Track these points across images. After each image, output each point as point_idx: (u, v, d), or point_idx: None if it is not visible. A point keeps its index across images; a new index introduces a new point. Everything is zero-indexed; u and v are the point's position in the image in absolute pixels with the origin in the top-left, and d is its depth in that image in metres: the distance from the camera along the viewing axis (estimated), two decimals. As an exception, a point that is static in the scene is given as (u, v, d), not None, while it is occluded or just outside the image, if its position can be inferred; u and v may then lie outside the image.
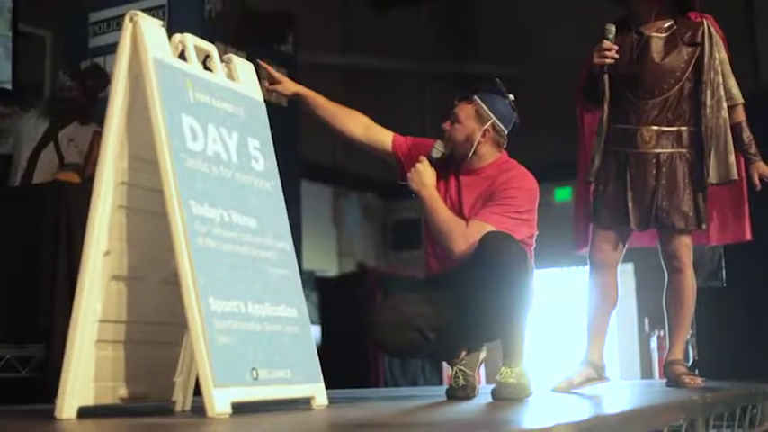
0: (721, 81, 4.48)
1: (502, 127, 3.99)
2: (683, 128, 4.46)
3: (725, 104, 4.47)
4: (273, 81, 4.14)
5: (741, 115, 4.54)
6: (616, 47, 4.42)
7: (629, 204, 4.46)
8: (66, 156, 5.89)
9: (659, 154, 4.45)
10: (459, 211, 3.94)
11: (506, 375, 3.72)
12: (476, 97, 3.99)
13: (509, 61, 12.85)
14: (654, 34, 4.50)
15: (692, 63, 4.47)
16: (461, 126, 3.97)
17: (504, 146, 4.05)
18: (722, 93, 4.47)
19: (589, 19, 4.81)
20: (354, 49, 13.73)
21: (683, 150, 4.45)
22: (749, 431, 3.75)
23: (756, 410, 3.85)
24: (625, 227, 4.51)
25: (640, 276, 11.06)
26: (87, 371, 2.87)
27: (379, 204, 13.83)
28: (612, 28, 4.42)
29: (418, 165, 3.94)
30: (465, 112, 4.00)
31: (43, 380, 4.93)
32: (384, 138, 4.23)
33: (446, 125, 4.01)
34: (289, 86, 4.18)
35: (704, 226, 4.48)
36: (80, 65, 6.61)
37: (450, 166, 4.03)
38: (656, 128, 4.46)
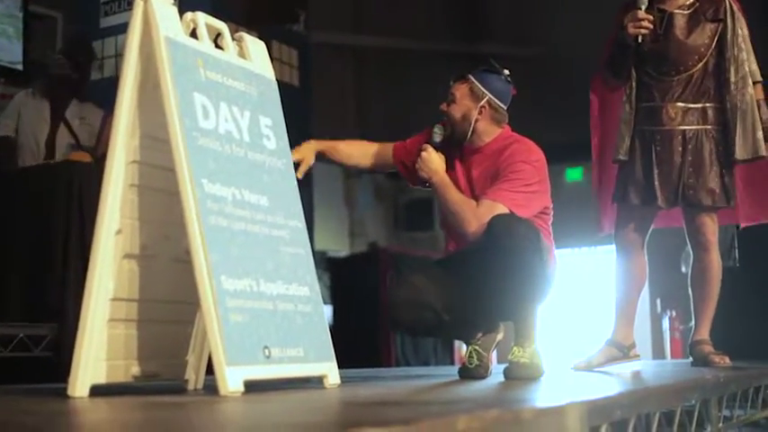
0: (745, 58, 4.44)
1: (499, 103, 3.99)
2: (708, 104, 4.44)
3: (750, 80, 4.44)
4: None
5: (759, 93, 4.49)
6: (650, 17, 4.40)
7: (656, 182, 4.43)
8: (80, 134, 5.91)
9: (685, 131, 4.43)
10: (470, 192, 3.93)
11: (518, 355, 3.71)
12: (470, 76, 3.99)
13: (522, 42, 12.82)
14: (677, 11, 4.48)
15: (716, 40, 4.45)
16: (457, 105, 4.00)
17: (505, 121, 4.05)
18: (747, 69, 4.43)
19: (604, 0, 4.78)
20: (366, 28, 13.69)
21: (709, 127, 4.42)
22: (762, 411, 3.74)
23: (769, 390, 3.84)
24: (652, 206, 4.49)
25: (652, 257, 11.03)
26: (100, 349, 2.87)
27: (390, 185, 13.80)
28: None
29: (423, 153, 3.95)
30: (460, 91, 4.02)
31: (56, 359, 4.95)
32: (386, 153, 4.33)
33: (443, 106, 4.03)
34: (308, 157, 4.23)
35: (732, 203, 4.45)
36: (91, 45, 6.61)
37: (454, 149, 4.03)
38: (681, 104, 4.44)
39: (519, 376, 3.65)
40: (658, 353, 11.65)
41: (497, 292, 3.71)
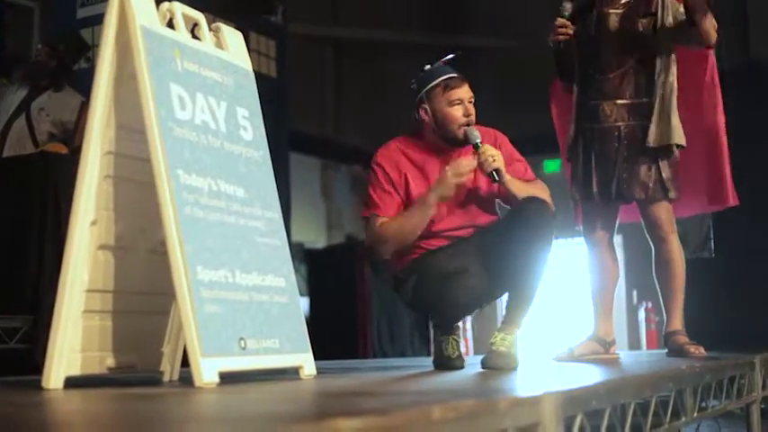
0: (672, 48, 4.46)
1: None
2: (643, 100, 4.47)
3: (673, 69, 4.46)
4: None
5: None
6: (569, 23, 4.48)
7: (594, 178, 4.50)
8: (38, 125, 5.86)
9: (619, 126, 4.49)
10: (475, 187, 3.97)
11: (499, 343, 3.72)
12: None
13: (500, 33, 12.83)
14: (611, 11, 4.54)
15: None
16: (472, 107, 3.99)
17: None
18: (672, 57, 4.45)
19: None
20: (344, 20, 13.68)
21: (643, 122, 4.45)
22: (737, 401, 3.76)
23: (744, 381, 3.85)
24: (600, 201, 4.53)
25: (629, 249, 11.06)
26: (74, 341, 2.86)
27: (367, 176, 13.81)
28: (568, 5, 4.51)
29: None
30: (470, 92, 4.01)
31: (31, 351, 4.93)
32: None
33: (470, 110, 3.96)
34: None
35: (671, 195, 4.46)
36: (80, 35, 6.59)
37: (442, 153, 4.00)
38: (616, 101, 4.49)
39: (496, 366, 3.65)
40: (634, 344, 11.71)
41: (512, 268, 3.75)
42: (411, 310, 4.34)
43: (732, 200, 4.73)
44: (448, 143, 3.98)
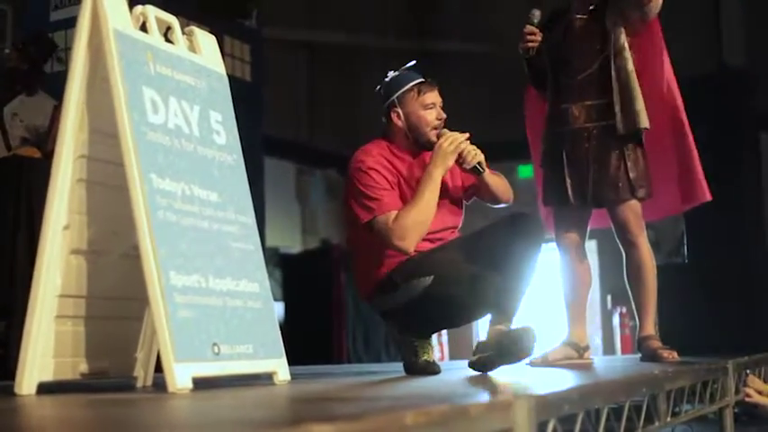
0: (627, 44, 4.48)
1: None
2: (610, 100, 4.48)
3: (626, 54, 4.46)
4: None
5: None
6: (538, 30, 4.52)
7: (567, 182, 4.51)
8: (11, 131, 5.83)
9: (589, 128, 4.51)
10: (450, 187, 4.00)
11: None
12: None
13: (475, 39, 12.86)
14: (578, 16, 4.59)
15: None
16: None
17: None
18: (622, 43, 4.47)
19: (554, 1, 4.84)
20: (319, 24, 13.68)
21: (611, 122, 4.47)
22: (710, 406, 3.77)
23: (717, 385, 3.86)
24: (575, 206, 4.54)
25: (603, 254, 11.11)
26: (47, 346, 2.85)
27: (342, 181, 13.79)
28: (537, 13, 4.56)
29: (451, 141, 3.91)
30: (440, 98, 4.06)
31: (4, 356, 4.90)
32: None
33: (441, 115, 4.00)
34: None
35: (640, 194, 4.48)
36: (48, 37, 6.55)
37: (414, 155, 4.01)
38: (584, 103, 4.52)
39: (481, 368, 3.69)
40: (609, 349, 11.76)
41: (506, 276, 3.78)
42: (398, 313, 3.98)
43: (706, 195, 4.74)
44: (419, 146, 3.99)
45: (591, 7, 4.56)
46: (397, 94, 3.99)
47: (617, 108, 4.43)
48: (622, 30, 4.47)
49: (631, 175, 4.45)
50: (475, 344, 3.84)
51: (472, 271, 3.77)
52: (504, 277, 3.77)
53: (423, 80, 4.01)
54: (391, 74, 4.04)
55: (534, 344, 3.67)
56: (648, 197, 4.52)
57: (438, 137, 3.92)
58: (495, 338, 3.73)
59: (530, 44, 4.53)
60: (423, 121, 3.96)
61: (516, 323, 3.79)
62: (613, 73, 4.44)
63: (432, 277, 3.80)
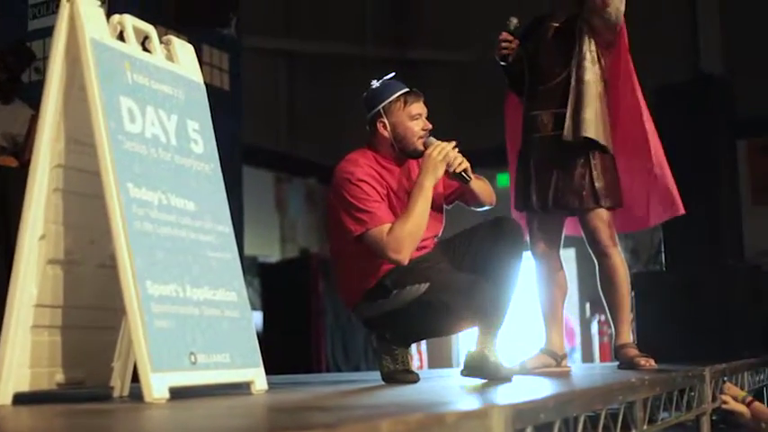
0: (597, 56, 4.51)
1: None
2: None
3: (589, 65, 4.49)
4: None
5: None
6: (513, 37, 4.57)
7: (532, 187, 4.54)
8: (3, 138, 5.82)
9: (555, 136, 4.52)
10: (434, 192, 3.98)
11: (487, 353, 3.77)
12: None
13: (452, 47, 12.89)
14: (554, 25, 4.64)
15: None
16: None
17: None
18: (588, 54, 4.49)
19: (538, 7, 4.85)
20: (298, 33, 13.68)
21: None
22: (687, 413, 3.79)
23: (694, 393, 3.88)
24: (537, 210, 4.56)
25: (581, 261, 11.14)
26: (23, 356, 2.84)
27: (321, 189, 13.80)
28: (514, 20, 4.61)
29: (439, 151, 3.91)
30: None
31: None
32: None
33: (427, 125, 3.99)
34: None
35: (605, 203, 4.49)
36: (26, 46, 6.52)
37: (400, 165, 4.02)
38: (552, 111, 4.54)
39: (495, 377, 3.71)
40: (587, 356, 11.78)
41: (492, 283, 3.80)
42: (383, 321, 3.94)
43: (679, 209, 4.76)
44: (405, 156, 3.99)
45: (566, 17, 4.58)
46: (383, 104, 3.97)
47: (567, 115, 4.45)
48: (590, 41, 4.49)
49: (597, 184, 4.46)
50: (462, 354, 3.85)
51: (466, 278, 3.79)
52: (492, 286, 3.78)
53: (408, 90, 4.00)
54: (375, 83, 4.03)
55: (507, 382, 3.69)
56: (616, 207, 4.54)
57: (425, 146, 3.93)
58: (474, 362, 3.78)
59: (504, 51, 4.56)
60: (409, 131, 3.95)
61: (498, 351, 3.80)
62: (572, 82, 4.46)
63: (427, 284, 3.80)
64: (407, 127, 3.95)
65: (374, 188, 3.86)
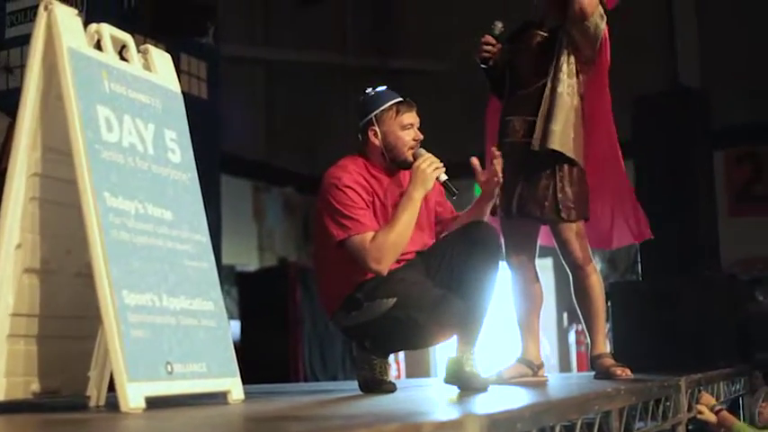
0: (575, 70, 4.52)
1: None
2: None
3: (564, 77, 4.48)
4: None
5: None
6: (495, 41, 4.57)
7: (496, 192, 4.52)
8: None
9: (525, 143, 4.51)
10: (425, 208, 4.00)
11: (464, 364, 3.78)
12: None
13: (433, 56, 12.90)
14: (537, 32, 4.63)
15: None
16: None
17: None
18: (566, 75, 4.49)
19: (520, 17, 4.86)
20: (277, 42, 13.67)
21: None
22: (663, 423, 3.80)
23: (670, 403, 3.89)
24: (502, 216, 4.58)
25: (559, 271, 11.18)
26: (-1, 365, 2.83)
27: (299, 199, 13.79)
28: (499, 24, 4.62)
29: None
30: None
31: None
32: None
33: (418, 136, 3.99)
34: None
35: (570, 216, 4.48)
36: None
37: (390, 174, 4.02)
38: (525, 117, 4.54)
39: (472, 387, 3.73)
40: (565, 366, 11.79)
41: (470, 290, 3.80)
42: (359, 331, 3.93)
43: (645, 233, 4.81)
44: (395, 165, 3.99)
45: (553, 26, 4.58)
46: (375, 113, 3.97)
47: (537, 124, 4.46)
48: (570, 53, 4.49)
49: (560, 195, 4.46)
50: (440, 364, 3.87)
51: (435, 295, 3.76)
52: (466, 297, 3.77)
53: (401, 100, 4.01)
54: (369, 91, 4.04)
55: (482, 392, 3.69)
56: (579, 219, 4.52)
57: (414, 157, 3.93)
58: (452, 371, 3.81)
59: (485, 54, 4.56)
60: (400, 141, 3.95)
61: (475, 361, 3.80)
62: (546, 91, 4.47)
63: (395, 299, 3.79)
64: (398, 136, 3.95)
65: (360, 195, 3.85)
